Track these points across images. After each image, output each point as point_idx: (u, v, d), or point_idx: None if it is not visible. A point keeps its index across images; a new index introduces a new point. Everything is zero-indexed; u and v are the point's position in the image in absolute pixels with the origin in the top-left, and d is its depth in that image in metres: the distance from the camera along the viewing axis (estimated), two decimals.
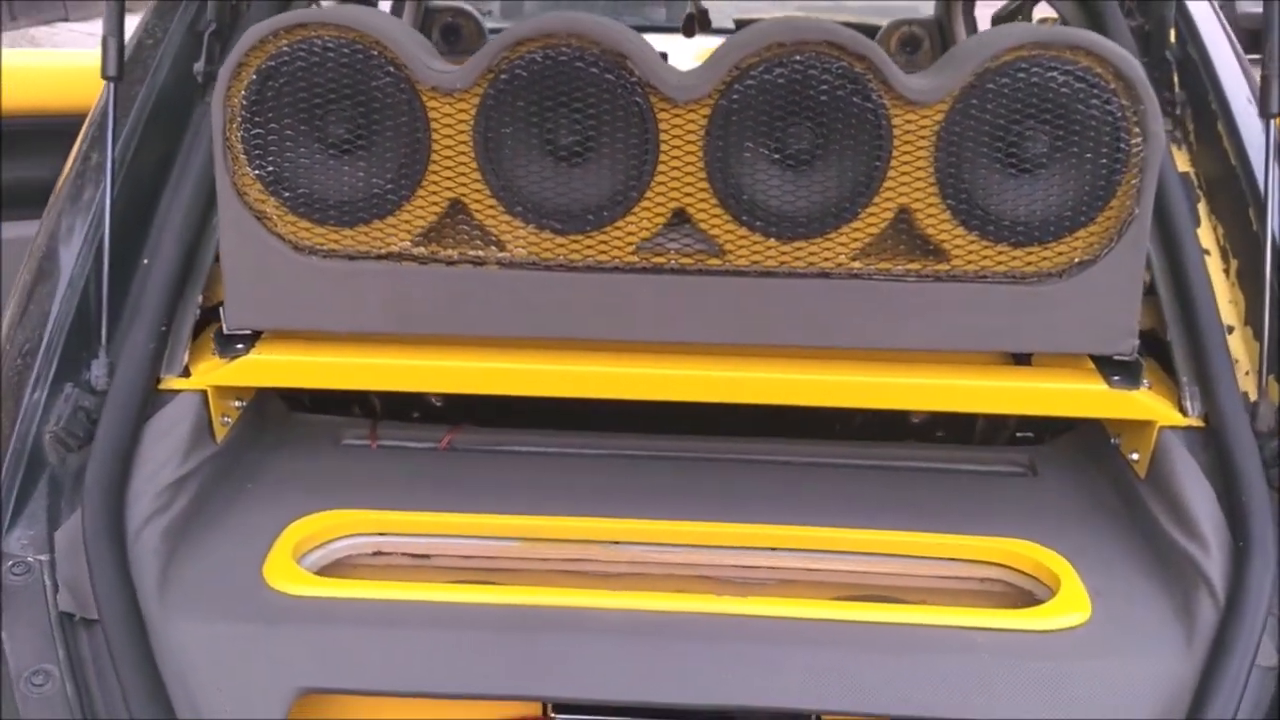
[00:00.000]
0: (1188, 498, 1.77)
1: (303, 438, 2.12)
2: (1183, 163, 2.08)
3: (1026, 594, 1.79)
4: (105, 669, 1.56)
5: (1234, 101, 2.01)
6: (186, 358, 1.92)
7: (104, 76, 1.93)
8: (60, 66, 3.45)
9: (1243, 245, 1.94)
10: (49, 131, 2.66)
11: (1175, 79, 2.14)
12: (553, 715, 1.65)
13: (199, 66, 2.15)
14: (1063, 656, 1.61)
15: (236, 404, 2.01)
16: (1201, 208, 2.04)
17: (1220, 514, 1.74)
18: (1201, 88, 2.08)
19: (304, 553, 1.82)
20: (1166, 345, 1.93)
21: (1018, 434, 2.21)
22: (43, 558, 1.67)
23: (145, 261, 1.97)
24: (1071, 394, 1.88)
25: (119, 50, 1.95)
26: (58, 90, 3.09)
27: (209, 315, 1.98)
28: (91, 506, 1.70)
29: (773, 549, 1.87)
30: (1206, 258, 1.98)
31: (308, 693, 1.60)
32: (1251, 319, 1.90)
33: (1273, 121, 1.88)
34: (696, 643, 1.64)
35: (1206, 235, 2.01)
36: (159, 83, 2.10)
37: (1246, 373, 1.88)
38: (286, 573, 1.73)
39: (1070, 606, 1.68)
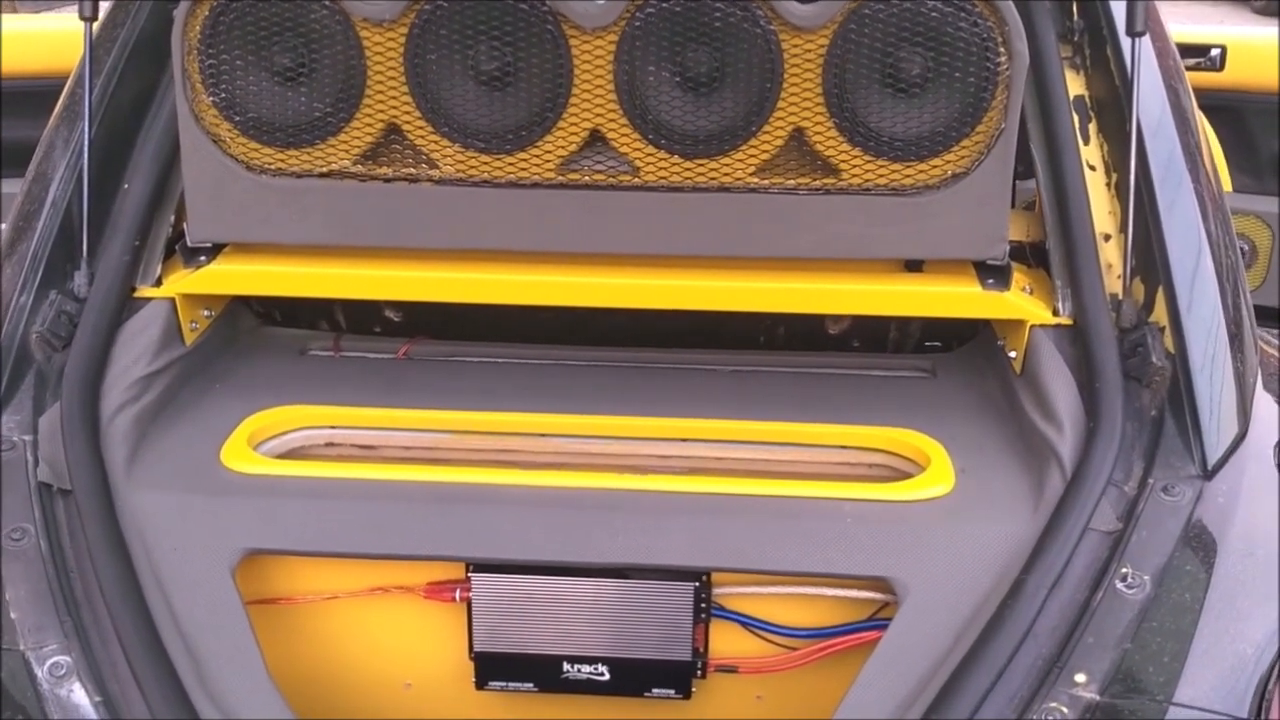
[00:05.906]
0: (1050, 387, 1.94)
1: (270, 347, 2.34)
2: (1078, 86, 2.22)
3: (905, 475, 1.97)
4: (76, 530, 1.79)
5: (1119, 26, 2.14)
6: (159, 270, 2.14)
7: (81, 17, 2.15)
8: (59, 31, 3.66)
9: (1121, 159, 2.09)
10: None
11: (1075, 7, 2.28)
12: (471, 574, 1.86)
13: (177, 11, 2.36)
14: (920, 521, 1.80)
15: (205, 313, 2.23)
16: (1092, 127, 2.19)
17: (1078, 400, 1.91)
18: (1095, 15, 2.22)
19: (261, 441, 2.05)
20: (1048, 254, 2.09)
21: (926, 344, 2.37)
22: (27, 438, 1.90)
23: (126, 186, 2.19)
24: (949, 296, 2.06)
25: None
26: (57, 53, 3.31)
27: (184, 234, 2.20)
28: (69, 395, 1.93)
29: (684, 439, 2.07)
30: (1092, 173, 2.13)
31: (252, 553, 1.82)
32: (1126, 227, 2.05)
33: (1139, 40, 2.02)
34: (597, 512, 1.85)
35: (1094, 153, 2.16)
36: (139, 26, 2.32)
37: (1118, 276, 2.04)
38: (241, 455, 1.96)
39: (934, 481, 1.86)
